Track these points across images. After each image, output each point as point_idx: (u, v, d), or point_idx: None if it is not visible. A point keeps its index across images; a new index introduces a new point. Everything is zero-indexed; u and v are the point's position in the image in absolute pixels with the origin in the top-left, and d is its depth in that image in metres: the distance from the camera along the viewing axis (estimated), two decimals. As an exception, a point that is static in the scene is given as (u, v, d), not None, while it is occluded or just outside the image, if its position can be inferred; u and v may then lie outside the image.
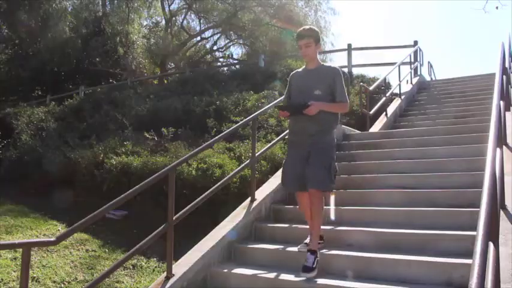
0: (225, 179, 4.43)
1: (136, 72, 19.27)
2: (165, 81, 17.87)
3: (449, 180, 4.38)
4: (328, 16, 19.66)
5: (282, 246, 3.81)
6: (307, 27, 3.62)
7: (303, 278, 3.20)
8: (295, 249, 3.66)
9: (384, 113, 8.25)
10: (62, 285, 4.73)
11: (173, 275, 3.41)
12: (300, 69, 3.79)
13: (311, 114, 3.34)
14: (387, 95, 8.69)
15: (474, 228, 1.76)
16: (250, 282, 3.42)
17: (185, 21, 20.48)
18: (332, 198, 4.48)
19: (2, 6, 15.69)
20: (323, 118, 3.44)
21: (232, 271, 3.58)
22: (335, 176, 3.42)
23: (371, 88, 8.27)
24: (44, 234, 6.21)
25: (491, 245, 1.81)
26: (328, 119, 3.49)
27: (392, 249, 3.42)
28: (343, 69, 8.59)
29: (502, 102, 3.70)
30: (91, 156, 8.38)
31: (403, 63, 10.08)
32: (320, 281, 3.15)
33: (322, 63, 3.66)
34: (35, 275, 4.75)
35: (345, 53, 12.96)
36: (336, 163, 3.49)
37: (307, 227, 3.61)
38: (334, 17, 34.77)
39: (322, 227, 4.01)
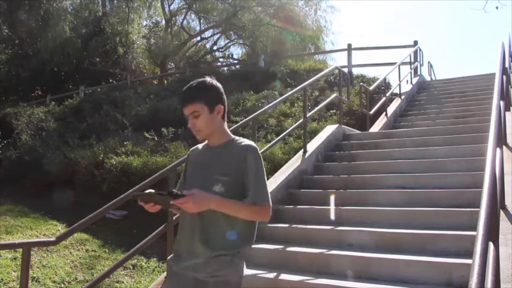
0: (225, 179, 4.41)
1: (136, 72, 19.26)
2: (165, 81, 17.87)
3: (449, 180, 4.37)
4: (328, 15, 19.67)
5: (281, 246, 3.81)
6: (195, 82, 2.00)
7: (303, 278, 3.20)
8: (295, 249, 3.65)
9: (384, 113, 8.25)
10: (62, 285, 4.74)
11: (173, 275, 3.40)
12: (200, 145, 2.19)
13: (190, 211, 1.81)
14: (387, 95, 8.69)
15: (474, 228, 1.76)
16: (250, 282, 3.41)
17: (185, 21, 20.51)
18: (332, 198, 4.48)
19: (2, 6, 15.69)
20: (224, 229, 1.91)
21: (232, 271, 3.57)
22: None
23: (371, 88, 8.26)
24: (44, 234, 6.22)
25: (491, 245, 1.81)
26: (234, 235, 1.92)
27: (392, 249, 3.42)
28: (343, 69, 8.72)
29: (502, 102, 3.70)
30: (91, 156, 8.38)
31: (403, 63, 10.08)
32: (320, 281, 3.15)
33: (232, 136, 2.07)
34: (35, 275, 4.76)
35: (345, 52, 12.99)
36: None
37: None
38: (334, 15, 34.76)
39: (321, 227, 4.02)
